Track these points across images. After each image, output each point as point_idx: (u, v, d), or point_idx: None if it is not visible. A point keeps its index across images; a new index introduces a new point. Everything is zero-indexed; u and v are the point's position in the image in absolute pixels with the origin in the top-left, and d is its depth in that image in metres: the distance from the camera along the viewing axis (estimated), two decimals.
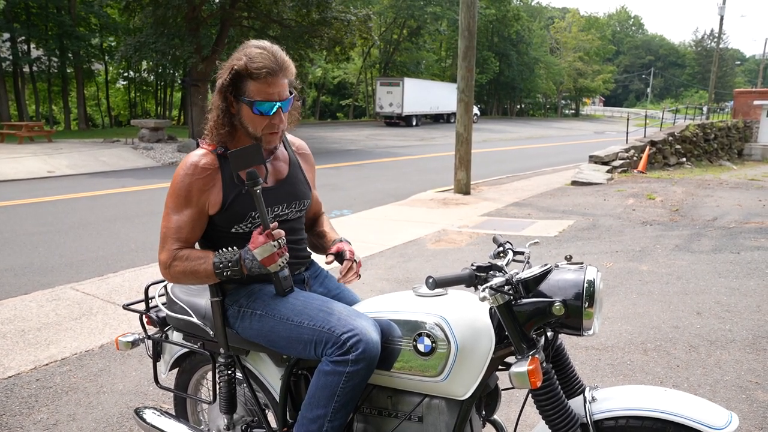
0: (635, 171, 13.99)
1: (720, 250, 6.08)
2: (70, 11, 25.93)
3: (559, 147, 23.79)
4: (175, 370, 2.32)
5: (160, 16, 17.91)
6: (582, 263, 1.57)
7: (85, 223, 7.92)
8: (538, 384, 1.49)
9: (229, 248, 1.79)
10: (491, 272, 1.57)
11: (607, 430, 1.57)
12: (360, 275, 2.04)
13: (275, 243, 1.72)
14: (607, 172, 12.93)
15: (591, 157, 14.12)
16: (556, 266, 1.59)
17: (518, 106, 61.42)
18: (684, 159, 18.33)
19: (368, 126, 34.17)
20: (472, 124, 10.62)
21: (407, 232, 7.28)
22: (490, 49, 49.71)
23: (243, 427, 2.07)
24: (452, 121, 32.27)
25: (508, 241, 1.77)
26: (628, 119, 20.01)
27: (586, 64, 60.36)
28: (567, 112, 68.72)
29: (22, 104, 27.30)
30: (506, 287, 1.53)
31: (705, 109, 31.17)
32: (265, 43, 1.78)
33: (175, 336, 2.19)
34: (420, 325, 1.64)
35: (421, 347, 1.63)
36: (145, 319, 2.23)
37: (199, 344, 2.05)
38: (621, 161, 13.93)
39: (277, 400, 1.90)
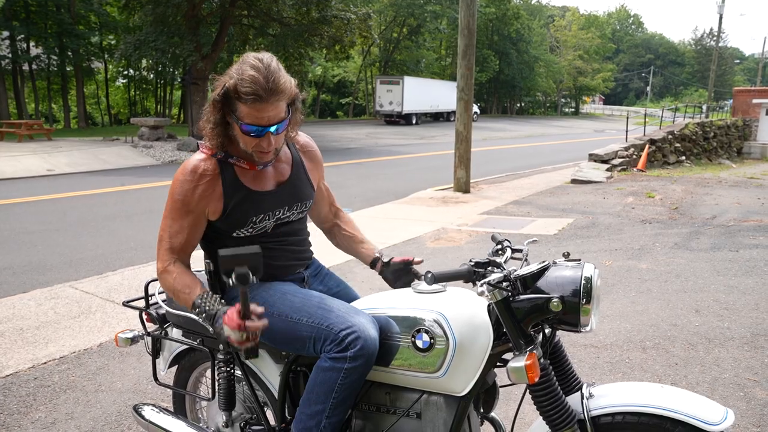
0: (635, 169, 14.00)
1: (719, 248, 6.08)
2: (69, 9, 25.91)
3: (558, 145, 23.80)
4: (175, 368, 2.33)
5: (159, 14, 17.91)
6: (579, 260, 1.58)
7: (84, 221, 7.92)
8: (536, 379, 1.50)
9: (215, 298, 1.75)
10: (489, 268, 1.58)
11: (604, 426, 1.58)
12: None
13: (245, 335, 1.60)
14: (607, 170, 12.94)
15: (591, 155, 14.12)
16: (554, 263, 1.59)
17: (518, 105, 61.42)
18: (683, 157, 18.34)
19: (368, 124, 34.17)
20: (471, 123, 10.63)
21: (407, 230, 7.29)
22: (490, 47, 49.69)
23: (242, 424, 2.07)
24: (452, 119, 32.26)
25: (506, 239, 1.77)
26: (627, 118, 20.03)
27: (586, 62, 60.37)
28: (567, 110, 68.74)
29: (21, 102, 27.29)
30: (504, 283, 1.54)
31: (704, 107, 31.19)
32: (263, 61, 1.67)
33: (175, 333, 2.19)
34: (418, 322, 1.64)
35: (419, 343, 1.63)
36: (144, 316, 2.24)
37: (198, 341, 2.06)
38: (620, 160, 13.94)
39: (276, 397, 1.90)
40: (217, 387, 2.01)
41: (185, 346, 2.20)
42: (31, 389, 3.23)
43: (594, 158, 13.91)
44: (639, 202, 9.08)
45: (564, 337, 1.98)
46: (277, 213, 1.88)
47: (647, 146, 15.50)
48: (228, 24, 19.88)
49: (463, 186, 10.40)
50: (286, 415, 1.90)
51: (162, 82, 34.88)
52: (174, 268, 1.80)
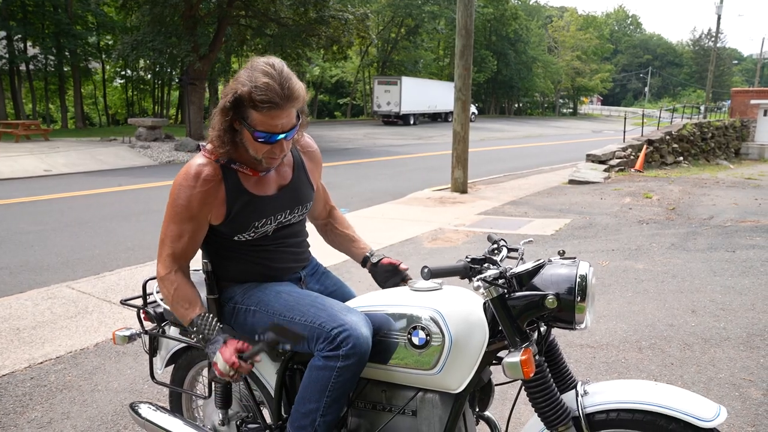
0: (632, 170, 14.03)
1: (715, 248, 6.10)
2: (66, 9, 25.90)
3: (556, 146, 23.83)
4: (172, 367, 2.33)
5: (157, 15, 17.91)
6: (575, 258, 1.59)
7: (81, 221, 7.91)
8: (531, 374, 1.51)
9: (214, 322, 1.76)
10: (486, 265, 1.59)
11: (598, 423, 1.59)
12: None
13: (233, 373, 1.68)
14: (604, 171, 12.96)
15: (588, 156, 14.15)
16: (549, 261, 1.61)
17: (516, 105, 61.51)
18: (681, 158, 18.39)
19: (366, 125, 34.19)
20: (469, 123, 10.64)
21: (404, 230, 7.29)
22: (488, 48, 49.75)
23: (238, 423, 2.08)
24: (450, 120, 32.28)
25: (502, 239, 1.78)
26: (625, 118, 20.07)
27: (584, 63, 60.47)
28: (565, 111, 68.84)
29: (18, 103, 27.26)
30: (500, 280, 1.55)
31: (702, 108, 31.26)
32: (275, 67, 1.64)
33: (172, 331, 2.20)
34: (415, 319, 1.65)
35: (415, 340, 1.64)
36: (142, 315, 2.23)
37: (195, 338, 2.05)
38: (618, 160, 13.97)
39: (273, 395, 1.91)
40: (213, 385, 2.01)
41: (182, 345, 2.20)
42: (27, 389, 3.23)
43: (591, 159, 13.93)
44: (636, 203, 9.10)
45: (560, 337, 2.00)
46: (279, 217, 1.88)
47: (645, 147, 15.54)
48: (225, 24, 19.88)
49: (461, 186, 10.41)
50: (283, 413, 1.91)
51: (159, 82, 34.88)
52: (175, 278, 1.79)
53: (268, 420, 2.03)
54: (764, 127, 26.71)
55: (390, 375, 1.71)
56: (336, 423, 1.75)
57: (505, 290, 1.56)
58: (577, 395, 1.62)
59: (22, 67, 27.48)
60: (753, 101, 27.12)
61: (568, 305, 1.52)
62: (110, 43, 30.26)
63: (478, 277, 1.53)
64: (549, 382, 1.58)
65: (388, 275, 2.06)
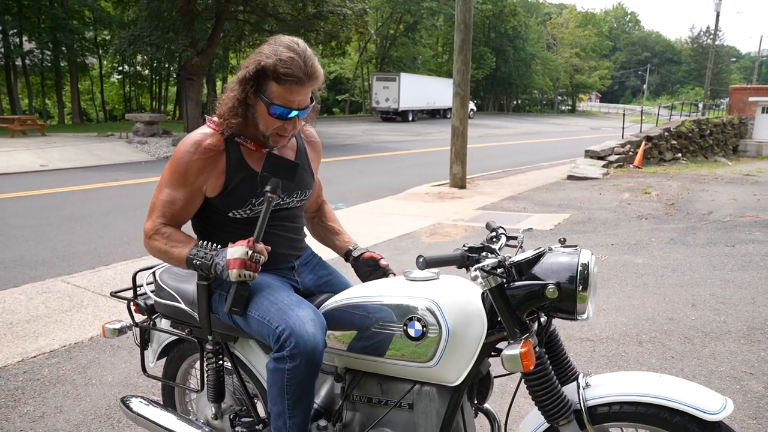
0: (631, 166, 14.00)
1: (715, 243, 6.07)
2: (62, 4, 25.74)
3: (555, 143, 23.80)
4: (164, 360, 2.29)
5: (154, 9, 17.81)
6: (576, 246, 1.54)
7: (77, 216, 7.85)
8: (531, 367, 1.46)
9: (213, 245, 1.74)
10: (484, 254, 1.53)
11: (600, 416, 1.54)
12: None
13: (251, 253, 1.63)
14: (603, 166, 12.94)
15: (587, 151, 14.12)
16: (550, 249, 1.55)
17: (514, 102, 61.40)
18: (679, 154, 18.36)
19: (364, 121, 34.11)
20: (467, 118, 10.60)
21: (402, 225, 7.25)
22: (487, 44, 49.63)
23: (231, 416, 2.03)
24: (448, 116, 32.20)
25: (501, 227, 1.73)
26: (624, 115, 20.02)
27: (583, 60, 60.38)
28: (563, 108, 68.76)
29: (14, 98, 27.10)
30: (499, 270, 1.49)
31: (701, 105, 31.22)
32: (299, 45, 1.67)
33: (163, 323, 2.15)
34: (411, 310, 1.59)
35: (411, 332, 1.58)
36: (132, 307, 2.19)
37: (186, 331, 2.01)
38: (617, 156, 13.94)
39: (266, 389, 1.86)
40: (205, 378, 1.97)
41: (174, 338, 2.16)
42: (19, 383, 3.19)
43: (590, 155, 13.91)
44: (635, 198, 9.07)
45: (559, 330, 1.96)
46: (277, 199, 1.84)
47: (643, 143, 15.50)
48: (223, 19, 19.78)
49: (459, 181, 10.37)
50: None
51: (157, 78, 34.74)
52: (167, 229, 1.76)
53: (262, 413, 1.99)
54: (762, 125, 26.67)
55: (385, 368, 1.66)
56: (307, 423, 1.70)
57: (504, 280, 1.50)
58: (578, 388, 1.57)
59: (18, 62, 27.32)
60: (751, 98, 27.08)
61: (570, 295, 1.47)
62: (107, 38, 30.08)
63: (475, 266, 1.48)
64: (549, 375, 1.53)
65: (370, 270, 2.02)
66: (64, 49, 26.67)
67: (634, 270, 5.15)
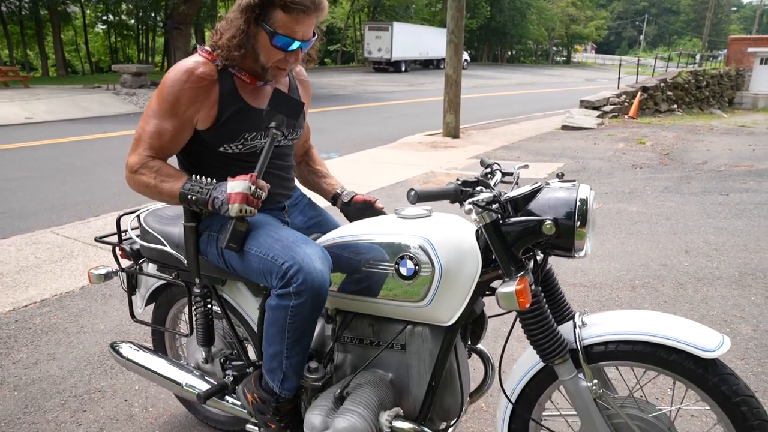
0: (626, 116, 13.87)
1: (709, 192, 6.05)
2: None
3: (549, 94, 23.50)
4: (153, 306, 2.25)
5: None
6: (575, 181, 1.47)
7: (66, 168, 7.72)
8: (527, 305, 1.41)
9: (208, 179, 1.66)
10: (478, 188, 1.46)
11: (596, 355, 1.52)
12: None
13: (254, 189, 1.57)
14: (598, 117, 12.81)
15: (582, 101, 13.95)
16: (547, 184, 1.48)
17: (509, 53, 60.30)
18: (675, 106, 18.17)
19: (356, 71, 33.48)
20: (461, 66, 10.38)
21: (395, 174, 7.19)
22: None
23: (222, 360, 2.01)
24: (442, 67, 31.63)
25: (496, 162, 1.66)
26: (620, 65, 19.75)
27: (579, 9, 59.05)
28: (558, 59, 67.67)
29: None
30: (494, 205, 1.43)
31: (698, 57, 30.75)
32: None
33: (150, 268, 2.10)
34: (403, 248, 1.54)
35: (403, 270, 1.53)
36: (118, 252, 2.14)
37: (173, 275, 1.97)
38: (612, 106, 13.79)
39: (255, 331, 1.83)
40: (194, 322, 1.94)
41: (161, 282, 2.12)
42: (12, 331, 3.17)
43: (585, 105, 13.75)
44: (630, 148, 9.00)
45: None
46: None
47: (639, 94, 15.31)
48: None
49: (453, 131, 10.24)
50: None
51: (144, 28, 33.67)
52: (155, 162, 1.67)
53: (252, 356, 1.97)
54: (760, 76, 26.31)
55: (377, 308, 1.62)
56: (303, 364, 1.67)
57: (499, 216, 1.45)
58: (574, 327, 1.53)
59: None
60: (750, 49, 26.62)
61: (567, 231, 1.41)
62: None
63: (469, 200, 1.42)
64: (545, 313, 1.49)
65: (362, 214, 1.95)
66: None
67: (628, 218, 5.13)
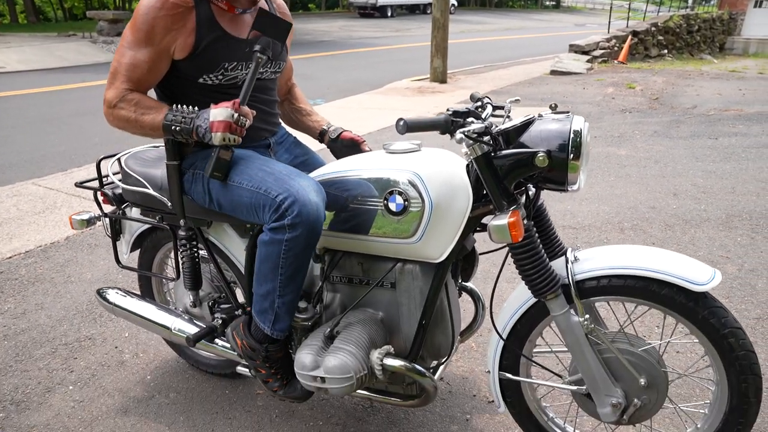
0: (615, 62, 13.67)
1: (698, 136, 6.03)
2: None
3: (538, 38, 23.07)
4: (138, 252, 2.21)
5: None
6: (568, 112, 1.43)
7: (44, 119, 7.51)
8: (519, 238, 1.39)
9: (190, 107, 1.59)
10: (469, 119, 1.41)
11: (589, 290, 1.51)
12: None
13: (237, 116, 1.51)
14: (587, 62, 12.62)
15: (571, 46, 13.71)
16: (540, 116, 1.44)
17: None
18: (665, 51, 17.94)
19: (341, 17, 32.57)
20: (449, 9, 10.10)
21: (382, 119, 7.09)
22: None
23: (210, 304, 1.99)
24: (429, 12, 30.73)
25: (486, 96, 1.60)
26: (611, 9, 19.30)
27: None
28: (548, 3, 66.14)
29: None
30: (485, 138, 1.39)
31: (690, 0, 30.19)
32: None
33: (134, 213, 2.05)
34: (391, 183, 1.50)
35: (392, 206, 1.50)
36: (100, 197, 2.08)
37: (157, 218, 1.92)
38: (602, 51, 13.57)
39: (243, 273, 1.80)
40: (181, 266, 1.90)
41: (146, 227, 2.07)
42: None
43: (575, 49, 13.52)
44: (619, 93, 8.91)
45: None
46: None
47: (629, 38, 15.06)
48: None
49: (440, 76, 10.06)
50: None
51: None
52: (133, 95, 1.60)
53: (241, 299, 1.95)
54: (753, 20, 25.93)
55: (366, 246, 1.59)
56: (296, 303, 1.64)
57: (491, 148, 1.41)
58: (567, 262, 1.52)
59: None
60: None
61: (560, 163, 1.37)
62: None
63: (460, 130, 1.37)
64: (538, 248, 1.47)
65: (349, 152, 1.91)
66: None
67: (617, 161, 5.12)
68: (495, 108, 1.56)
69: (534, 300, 1.57)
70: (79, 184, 2.14)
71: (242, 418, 2.07)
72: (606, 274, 1.49)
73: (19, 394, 2.22)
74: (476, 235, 1.67)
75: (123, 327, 2.68)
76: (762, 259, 3.20)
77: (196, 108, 1.59)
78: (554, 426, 1.75)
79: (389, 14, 32.98)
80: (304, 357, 1.59)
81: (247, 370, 1.87)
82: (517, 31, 27.55)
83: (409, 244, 1.52)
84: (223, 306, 1.94)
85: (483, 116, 1.48)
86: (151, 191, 1.84)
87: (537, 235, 1.51)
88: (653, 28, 17.17)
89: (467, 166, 1.53)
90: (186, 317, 1.99)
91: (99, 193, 2.07)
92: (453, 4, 34.52)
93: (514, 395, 1.72)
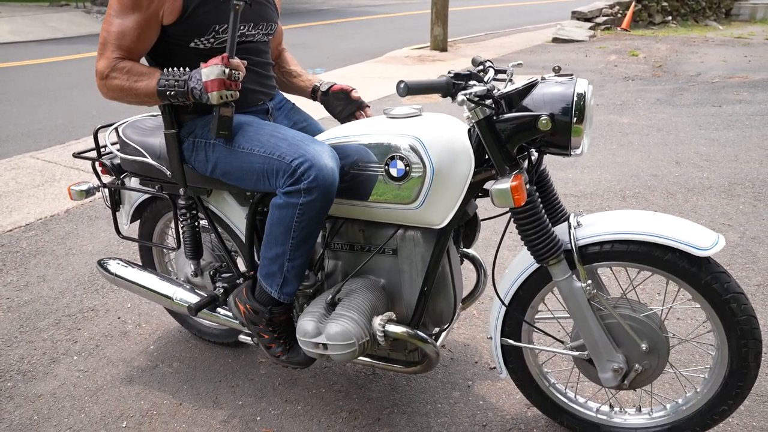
0: (618, 29, 13.46)
1: (702, 103, 5.96)
2: None
3: (540, 5, 22.68)
4: (139, 222, 2.21)
5: None
6: (572, 75, 1.40)
7: (39, 91, 7.42)
8: (522, 202, 1.37)
9: (181, 69, 1.56)
10: (471, 82, 1.38)
11: (591, 255, 1.50)
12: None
13: (228, 71, 1.49)
14: (590, 29, 12.43)
15: (573, 12, 13.49)
16: (543, 79, 1.41)
17: None
18: (669, 17, 17.63)
19: None
20: None
21: (382, 88, 7.01)
22: None
23: (211, 273, 1.99)
24: None
25: (488, 60, 1.57)
26: None
27: None
28: None
29: None
30: (487, 101, 1.36)
31: None
32: None
33: (133, 182, 2.04)
34: (392, 148, 1.48)
35: (393, 171, 1.48)
36: (98, 167, 2.06)
37: (157, 188, 1.91)
38: (605, 18, 13.36)
39: (244, 242, 1.79)
40: (181, 235, 1.89)
41: (146, 197, 2.06)
42: None
43: (577, 16, 13.30)
44: (622, 60, 8.79)
45: None
46: (242, 28, 1.66)
47: (633, 4, 14.79)
48: None
49: (441, 44, 9.91)
50: (256, 259, 1.80)
51: None
52: (125, 63, 1.58)
53: (242, 268, 1.95)
54: None
55: (368, 212, 1.58)
56: (305, 267, 1.64)
57: (493, 111, 1.38)
58: (569, 227, 1.50)
59: None
60: None
61: (564, 127, 1.35)
62: None
63: (462, 92, 1.34)
64: (540, 212, 1.45)
65: (341, 104, 1.91)
66: None
67: (620, 129, 5.07)
68: (497, 72, 1.53)
69: (536, 266, 1.56)
70: (77, 155, 2.12)
71: (245, 386, 2.09)
72: (609, 239, 1.48)
73: (25, 364, 2.24)
74: (477, 202, 1.66)
75: (125, 298, 2.69)
76: (764, 227, 3.19)
77: (188, 69, 1.56)
78: (555, 391, 1.77)
79: None
80: (306, 324, 1.59)
81: (250, 338, 1.87)
82: None
83: (410, 209, 1.50)
84: (224, 275, 1.93)
85: (485, 79, 1.45)
86: (149, 160, 1.82)
87: (540, 199, 1.49)
88: None
89: (469, 130, 1.51)
90: (187, 287, 1.99)
91: (97, 163, 2.05)
92: None
93: (515, 361, 1.73)
